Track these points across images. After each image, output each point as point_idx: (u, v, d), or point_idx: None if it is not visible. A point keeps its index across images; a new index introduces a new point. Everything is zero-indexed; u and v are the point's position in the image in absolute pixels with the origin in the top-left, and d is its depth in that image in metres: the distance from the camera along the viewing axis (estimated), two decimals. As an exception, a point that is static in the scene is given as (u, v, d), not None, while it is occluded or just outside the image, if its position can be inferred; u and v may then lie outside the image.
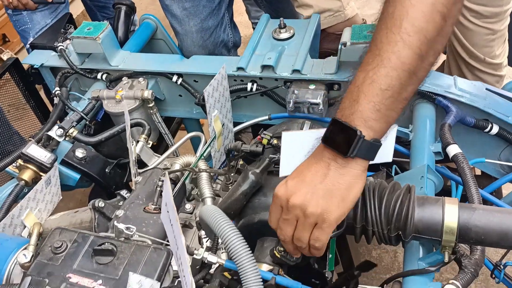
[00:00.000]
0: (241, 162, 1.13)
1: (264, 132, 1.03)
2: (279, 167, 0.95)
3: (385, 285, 0.90)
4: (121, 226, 0.88)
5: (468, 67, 1.52)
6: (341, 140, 0.75)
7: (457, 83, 1.16)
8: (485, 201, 0.96)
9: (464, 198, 0.91)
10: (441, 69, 1.76)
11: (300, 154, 0.90)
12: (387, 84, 0.73)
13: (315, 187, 0.75)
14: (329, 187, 0.75)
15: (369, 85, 0.74)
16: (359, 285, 0.88)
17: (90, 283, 0.81)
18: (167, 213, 0.78)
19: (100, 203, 1.02)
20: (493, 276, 0.99)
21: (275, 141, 1.01)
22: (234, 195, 0.97)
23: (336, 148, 0.75)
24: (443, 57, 1.92)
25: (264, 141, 1.01)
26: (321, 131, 0.83)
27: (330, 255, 1.06)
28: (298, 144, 0.89)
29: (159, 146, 1.53)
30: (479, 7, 1.43)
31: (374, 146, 0.76)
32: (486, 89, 1.16)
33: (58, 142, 1.27)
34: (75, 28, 1.52)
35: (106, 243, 0.85)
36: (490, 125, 1.14)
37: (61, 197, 1.21)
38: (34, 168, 1.19)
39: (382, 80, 0.73)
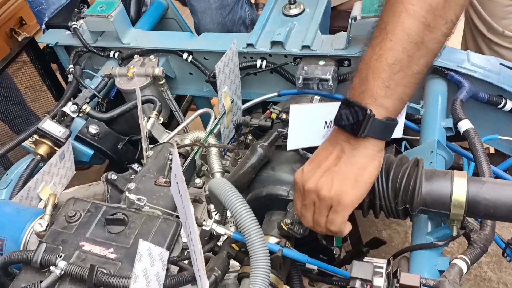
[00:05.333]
0: (250, 137, 1.13)
1: (273, 106, 1.03)
2: (287, 142, 0.96)
3: (392, 259, 0.91)
4: (133, 197, 0.89)
5: (486, 41, 1.47)
6: (352, 121, 0.72)
7: (470, 58, 1.14)
8: (498, 178, 0.95)
9: (476, 176, 0.90)
10: None
11: (308, 127, 0.90)
12: (393, 58, 0.70)
13: (328, 170, 0.75)
14: (343, 169, 0.74)
15: (376, 61, 0.71)
16: (365, 257, 0.89)
17: (102, 251, 0.83)
18: (176, 184, 0.80)
19: (112, 176, 1.04)
20: (505, 255, 0.97)
21: (284, 116, 1.00)
22: (243, 169, 0.98)
23: (347, 129, 0.73)
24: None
25: (273, 116, 1.01)
26: (330, 105, 0.82)
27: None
28: (306, 117, 0.89)
29: (170, 124, 1.55)
30: None
31: (388, 124, 0.73)
32: (501, 64, 1.13)
33: (72, 119, 1.30)
34: (89, 7, 1.53)
35: (118, 213, 0.87)
36: (504, 101, 1.11)
37: (75, 172, 1.24)
38: (49, 143, 1.22)
39: (388, 54, 0.70)
